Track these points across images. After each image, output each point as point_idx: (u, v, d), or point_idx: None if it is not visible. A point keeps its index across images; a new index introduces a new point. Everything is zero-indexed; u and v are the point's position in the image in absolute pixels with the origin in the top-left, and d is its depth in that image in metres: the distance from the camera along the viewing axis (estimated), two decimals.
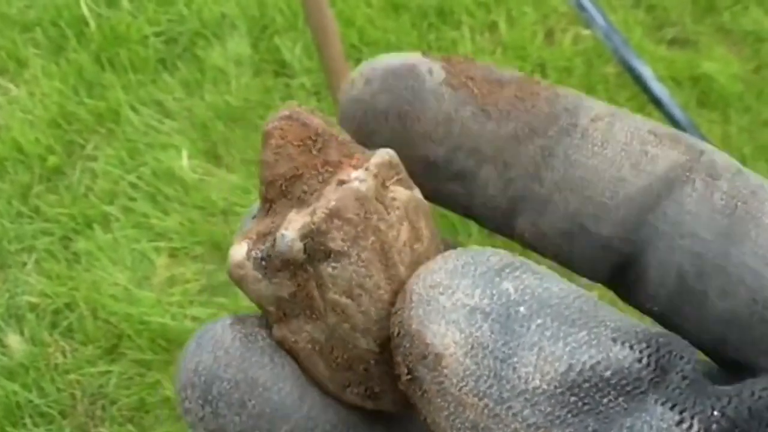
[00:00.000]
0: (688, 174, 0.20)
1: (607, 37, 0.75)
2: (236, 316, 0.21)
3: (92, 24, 1.80)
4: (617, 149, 0.20)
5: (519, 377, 0.16)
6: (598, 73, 1.66)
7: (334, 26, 1.05)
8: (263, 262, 0.20)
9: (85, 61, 1.74)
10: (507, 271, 0.17)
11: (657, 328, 0.16)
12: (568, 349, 0.16)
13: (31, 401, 1.28)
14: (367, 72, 0.21)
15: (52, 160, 1.59)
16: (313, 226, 0.19)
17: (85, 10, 1.83)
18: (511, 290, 0.16)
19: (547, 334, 0.16)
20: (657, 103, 0.78)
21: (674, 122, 0.79)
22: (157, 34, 1.78)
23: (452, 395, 0.16)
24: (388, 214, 0.20)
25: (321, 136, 0.20)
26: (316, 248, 0.19)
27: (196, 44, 1.76)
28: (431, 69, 0.20)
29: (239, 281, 0.20)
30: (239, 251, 0.20)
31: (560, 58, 1.68)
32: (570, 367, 0.15)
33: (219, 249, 1.44)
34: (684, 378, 0.15)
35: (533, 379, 0.15)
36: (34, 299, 1.39)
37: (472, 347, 0.16)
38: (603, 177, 0.20)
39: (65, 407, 1.28)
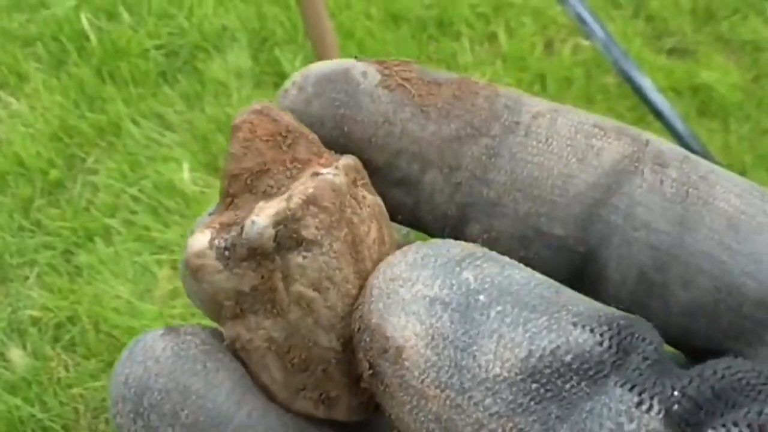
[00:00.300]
0: (636, 165, 0.19)
1: (607, 49, 0.75)
2: (169, 327, 0.20)
3: (93, 38, 1.81)
4: (562, 144, 0.20)
5: (479, 366, 0.15)
6: (597, 83, 1.66)
7: (333, 38, 1.06)
8: (226, 252, 0.19)
9: (86, 74, 1.74)
10: (468, 261, 0.17)
11: (621, 312, 0.16)
12: (527, 335, 0.15)
13: (33, 416, 1.28)
14: (300, 80, 0.20)
15: (54, 173, 1.59)
16: (288, 213, 0.19)
17: (85, 24, 1.83)
18: (471, 279, 0.16)
19: (507, 320, 0.15)
20: (657, 113, 0.78)
21: (674, 132, 0.80)
22: (158, 47, 1.79)
23: (414, 388, 0.16)
24: (360, 209, 0.19)
25: (291, 133, 0.20)
26: (287, 236, 0.19)
27: (197, 57, 1.77)
28: (365, 72, 0.20)
29: (196, 271, 0.19)
30: (200, 239, 0.19)
31: (560, 68, 1.69)
32: (530, 353, 0.15)
33: None
34: (645, 359, 0.15)
35: (493, 367, 0.15)
36: (36, 313, 1.39)
37: (433, 338, 0.16)
38: (551, 174, 0.19)
39: (68, 421, 1.28)
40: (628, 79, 0.77)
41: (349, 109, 0.20)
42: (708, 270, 0.18)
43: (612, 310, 0.16)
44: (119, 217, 1.51)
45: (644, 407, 0.14)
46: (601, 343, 0.15)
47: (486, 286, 0.16)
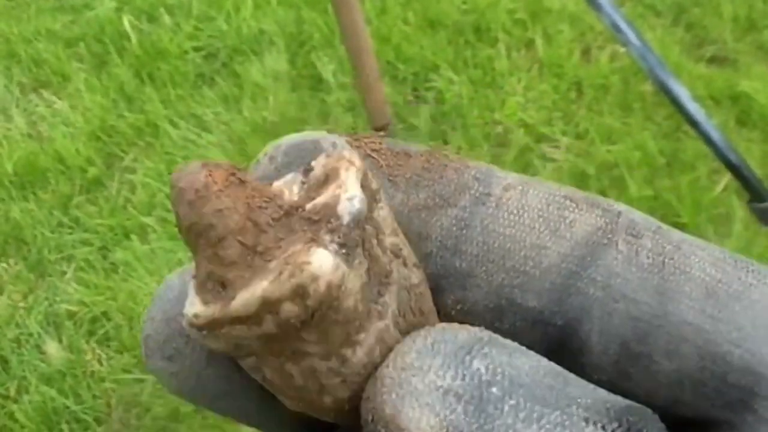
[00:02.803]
0: (609, 236, 0.19)
1: (642, 57, 0.75)
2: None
3: (134, 39, 1.84)
4: (534, 216, 0.19)
5: None
6: (635, 91, 1.65)
7: (369, 44, 1.06)
8: (343, 250, 0.17)
9: (126, 75, 1.77)
10: (476, 348, 0.17)
11: (625, 401, 0.16)
12: (542, 431, 0.15)
13: (67, 407, 1.30)
14: (271, 150, 0.20)
15: (93, 171, 1.62)
16: (360, 173, 0.18)
17: (127, 26, 1.87)
18: (483, 370, 0.16)
19: (521, 416, 0.15)
20: (692, 122, 0.77)
21: (710, 142, 0.79)
22: (197, 50, 1.82)
23: None
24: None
25: (234, 168, 0.19)
26: (369, 194, 0.18)
27: (235, 60, 1.79)
28: (334, 143, 0.20)
29: (338, 289, 0.17)
30: (324, 256, 0.17)
31: (597, 75, 1.68)
32: None
33: None
34: None
35: None
36: (72, 308, 1.42)
37: (448, 431, 0.16)
38: (523, 245, 0.19)
39: (100, 414, 1.30)
40: (664, 88, 0.76)
41: None
42: (692, 339, 0.18)
43: (617, 400, 0.16)
44: (155, 216, 1.54)
45: None
46: None
47: (498, 377, 0.16)
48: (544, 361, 0.17)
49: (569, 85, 1.68)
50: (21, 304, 1.44)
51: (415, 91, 1.69)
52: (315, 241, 0.17)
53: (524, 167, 1.55)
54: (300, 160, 0.19)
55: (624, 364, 0.19)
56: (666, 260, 0.19)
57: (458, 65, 1.71)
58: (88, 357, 1.36)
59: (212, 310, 0.17)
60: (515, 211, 0.19)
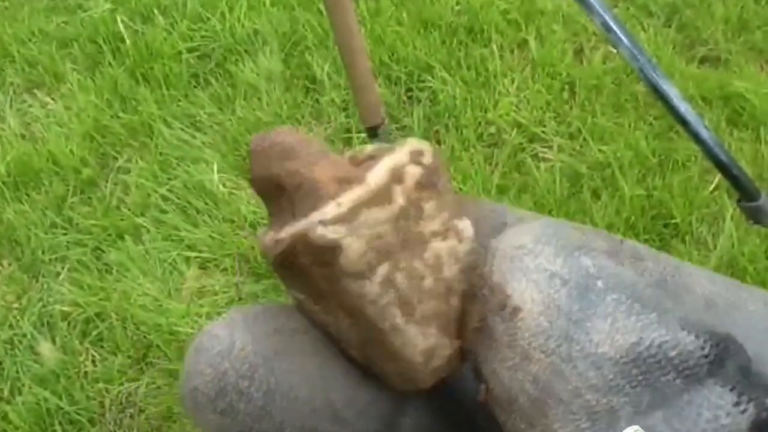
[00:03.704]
0: (616, 258, 0.21)
1: (633, 57, 0.75)
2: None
3: (128, 40, 1.84)
4: None
5: (590, 341, 0.16)
6: (627, 91, 1.66)
7: (361, 44, 1.07)
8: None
9: (120, 76, 1.78)
10: (585, 249, 0.18)
11: (713, 329, 0.17)
12: (639, 324, 0.16)
13: (61, 408, 1.30)
14: None
15: (86, 172, 1.62)
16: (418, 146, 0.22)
17: (121, 27, 1.87)
18: (590, 265, 0.17)
19: (622, 308, 0.16)
20: (682, 122, 0.78)
21: (701, 142, 0.79)
22: (191, 50, 1.82)
23: (521, 347, 0.17)
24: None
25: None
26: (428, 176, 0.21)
27: (229, 60, 1.79)
28: None
29: (437, 159, 0.21)
30: (426, 144, 0.22)
31: (590, 76, 1.68)
32: (640, 340, 0.16)
33: (248, 261, 1.45)
34: (741, 368, 0.16)
35: (603, 344, 0.16)
36: (66, 308, 1.42)
37: (548, 307, 0.17)
38: None
39: (94, 415, 1.30)
40: (654, 87, 0.77)
41: None
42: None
43: (708, 324, 0.17)
44: (149, 216, 1.54)
45: (741, 407, 0.16)
46: (703, 348, 0.16)
47: (603, 274, 0.17)
48: (647, 278, 0.18)
49: (562, 86, 1.68)
50: (14, 305, 1.44)
51: (409, 91, 1.70)
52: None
53: (517, 167, 1.56)
54: None
55: None
56: (668, 278, 0.20)
57: (452, 66, 1.72)
58: (82, 358, 1.36)
59: (344, 202, 0.22)
60: None
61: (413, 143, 0.24)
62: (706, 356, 0.16)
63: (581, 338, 0.16)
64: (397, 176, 0.21)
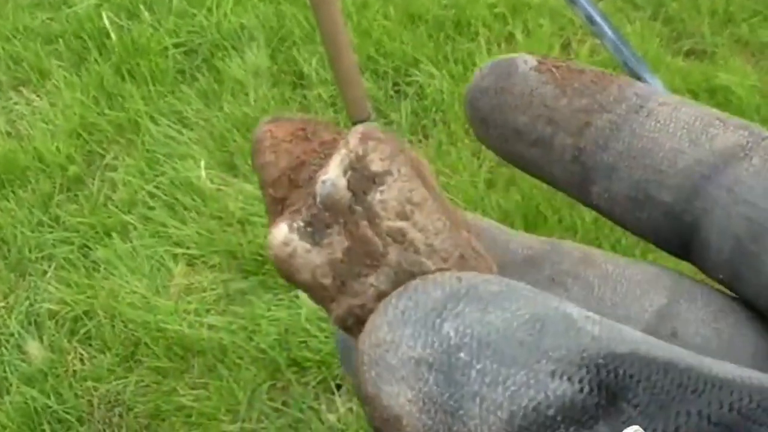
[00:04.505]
0: (746, 152, 0.21)
1: (617, 49, 0.75)
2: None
3: (113, 36, 1.83)
4: (679, 126, 0.21)
5: (469, 430, 0.15)
6: None
7: (347, 38, 1.06)
8: (309, 228, 0.19)
9: (106, 72, 1.77)
10: (449, 307, 0.16)
11: (609, 347, 0.16)
12: (507, 394, 0.15)
13: (49, 407, 1.30)
14: (484, 67, 0.25)
15: (73, 169, 1.61)
16: (351, 155, 0.19)
17: (106, 23, 1.86)
18: (452, 333, 0.16)
19: (487, 380, 0.15)
20: None
21: None
22: (177, 46, 1.81)
23: None
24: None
25: (309, 124, 0.21)
26: (359, 178, 0.19)
27: (215, 56, 1.79)
28: (526, 60, 0.24)
29: (288, 260, 0.19)
30: (280, 230, 0.19)
31: None
32: (512, 414, 0.15)
33: (235, 258, 1.45)
34: (634, 406, 0.15)
35: (480, 430, 0.15)
36: (53, 307, 1.41)
37: (424, 403, 0.16)
38: (662, 149, 0.21)
39: (82, 414, 1.30)
40: (638, 80, 0.77)
41: (506, 84, 0.24)
42: None
43: (600, 346, 0.16)
44: (136, 214, 1.53)
45: None
46: (581, 390, 0.15)
47: (466, 340, 0.16)
48: (525, 308, 0.17)
49: None
50: (1, 304, 1.44)
51: (396, 85, 1.70)
52: (293, 213, 0.20)
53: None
54: (496, 71, 0.24)
55: (735, 263, 0.20)
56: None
57: (439, 60, 1.71)
58: (70, 356, 1.36)
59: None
60: (662, 121, 0.22)
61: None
62: (589, 394, 0.14)
63: (462, 430, 0.15)
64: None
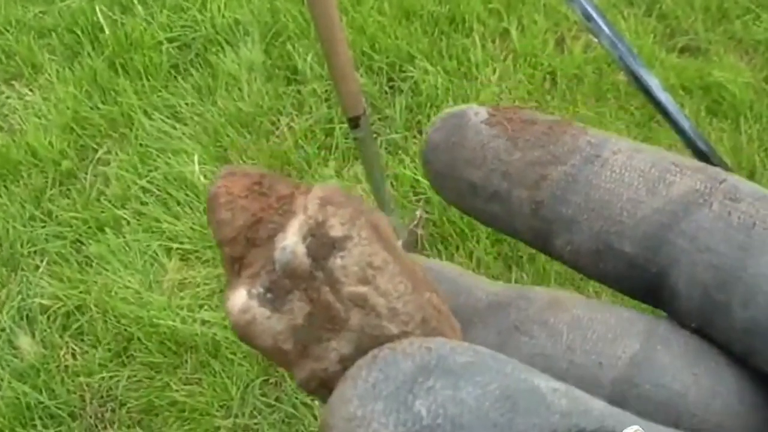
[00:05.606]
0: (705, 198, 0.20)
1: (613, 46, 0.75)
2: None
3: (107, 30, 1.82)
4: (635, 175, 0.21)
5: None
6: (608, 80, 1.66)
7: (342, 34, 1.06)
8: (269, 294, 0.19)
9: (100, 66, 1.76)
10: (420, 381, 0.16)
11: (582, 424, 0.16)
12: None
13: (41, 403, 1.29)
14: (436, 120, 0.24)
15: (66, 164, 1.60)
16: (310, 221, 0.19)
17: (100, 17, 1.85)
18: (424, 413, 0.16)
19: None
20: (663, 111, 0.78)
21: (680, 131, 0.79)
22: (171, 40, 1.80)
23: None
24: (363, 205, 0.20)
25: (264, 177, 0.20)
26: (319, 244, 0.19)
27: (209, 50, 1.78)
28: (477, 112, 0.24)
29: (247, 327, 0.19)
30: (239, 296, 0.19)
31: (571, 65, 1.68)
32: None
33: None
34: None
35: None
36: (45, 302, 1.41)
37: None
38: (620, 199, 0.21)
39: (75, 409, 1.30)
40: (634, 77, 0.77)
41: (458, 139, 0.23)
42: (767, 291, 0.19)
43: (570, 423, 0.16)
44: (129, 208, 1.52)
45: None
46: None
47: (439, 421, 0.16)
48: (495, 382, 0.16)
49: (544, 75, 1.68)
50: None
51: (391, 81, 1.69)
52: (252, 277, 0.19)
53: None
54: (448, 124, 0.24)
55: (706, 312, 0.20)
56: (757, 222, 0.20)
57: (433, 56, 1.71)
58: (62, 351, 1.35)
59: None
60: (618, 170, 0.22)
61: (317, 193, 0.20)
62: None
63: None
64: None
